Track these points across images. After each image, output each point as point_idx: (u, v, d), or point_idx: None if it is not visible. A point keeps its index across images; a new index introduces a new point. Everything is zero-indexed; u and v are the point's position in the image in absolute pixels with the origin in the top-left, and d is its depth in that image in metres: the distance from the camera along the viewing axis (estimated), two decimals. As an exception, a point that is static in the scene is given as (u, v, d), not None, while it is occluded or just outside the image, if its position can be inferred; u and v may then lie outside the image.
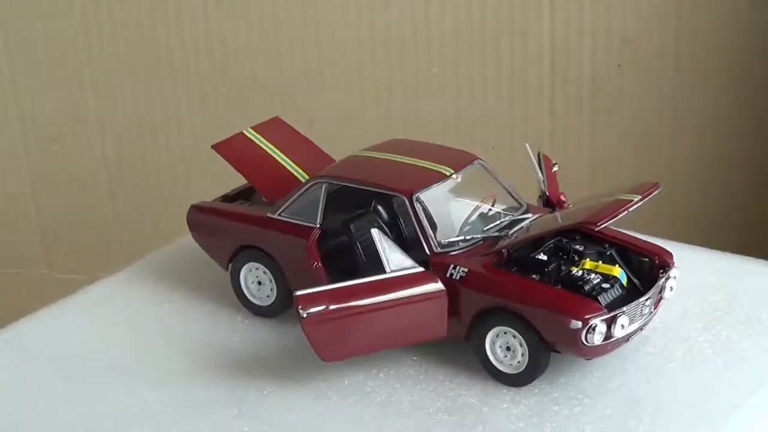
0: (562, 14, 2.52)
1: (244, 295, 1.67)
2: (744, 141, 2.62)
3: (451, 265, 1.47)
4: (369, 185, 1.55)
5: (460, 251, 1.49)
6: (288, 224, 1.60)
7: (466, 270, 1.46)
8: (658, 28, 2.52)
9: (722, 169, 2.64)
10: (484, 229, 1.53)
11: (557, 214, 1.56)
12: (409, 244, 1.53)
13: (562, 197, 1.63)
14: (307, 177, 1.66)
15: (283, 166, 1.72)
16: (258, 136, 1.79)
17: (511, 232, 1.52)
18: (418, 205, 1.50)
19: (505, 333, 1.45)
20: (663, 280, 1.50)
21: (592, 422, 1.41)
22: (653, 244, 1.55)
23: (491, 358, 1.48)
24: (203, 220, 1.71)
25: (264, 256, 1.63)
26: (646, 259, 1.52)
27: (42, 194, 2.79)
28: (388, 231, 1.56)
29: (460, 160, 1.59)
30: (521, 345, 1.45)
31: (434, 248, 1.49)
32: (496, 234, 1.53)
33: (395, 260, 1.45)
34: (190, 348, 1.60)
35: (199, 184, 2.72)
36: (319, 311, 1.41)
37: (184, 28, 2.60)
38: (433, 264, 1.48)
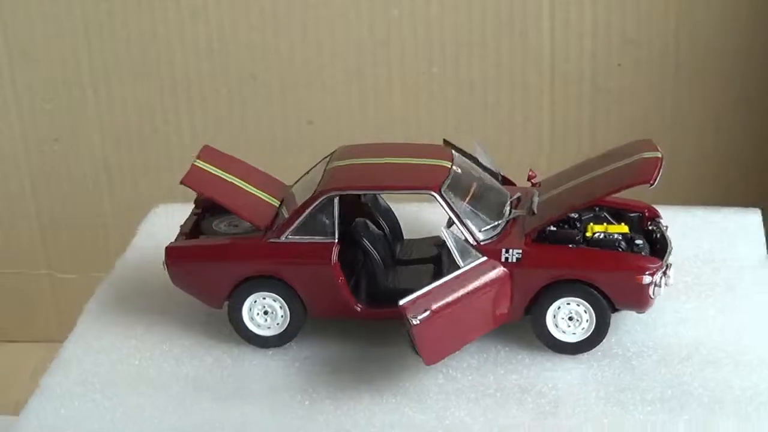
0: (562, 14, 2.52)
1: (248, 329, 1.60)
2: (744, 141, 2.62)
3: (503, 250, 1.52)
4: (391, 189, 1.57)
5: (497, 236, 1.54)
6: (303, 245, 1.55)
7: (520, 251, 1.52)
8: (658, 28, 2.52)
9: (722, 169, 2.64)
10: (505, 212, 1.58)
11: (568, 186, 1.61)
12: (391, 241, 1.62)
13: (531, 173, 1.68)
14: (270, 196, 1.64)
15: (246, 190, 1.67)
16: (209, 165, 1.70)
17: (526, 210, 1.59)
18: (449, 198, 1.54)
19: (568, 304, 1.52)
20: (666, 230, 1.60)
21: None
22: (635, 200, 1.63)
23: (553, 331, 1.53)
24: (189, 262, 1.61)
25: (272, 284, 1.57)
26: (636, 214, 1.61)
27: (42, 194, 2.78)
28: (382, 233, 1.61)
29: (444, 153, 1.63)
30: (585, 311, 1.52)
31: (478, 238, 1.53)
32: (515, 214, 1.59)
33: (464, 254, 1.49)
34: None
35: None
36: (426, 315, 1.43)
37: (184, 28, 2.60)
38: (483, 252, 1.52)
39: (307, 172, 1.68)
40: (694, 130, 2.60)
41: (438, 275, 1.53)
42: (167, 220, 1.87)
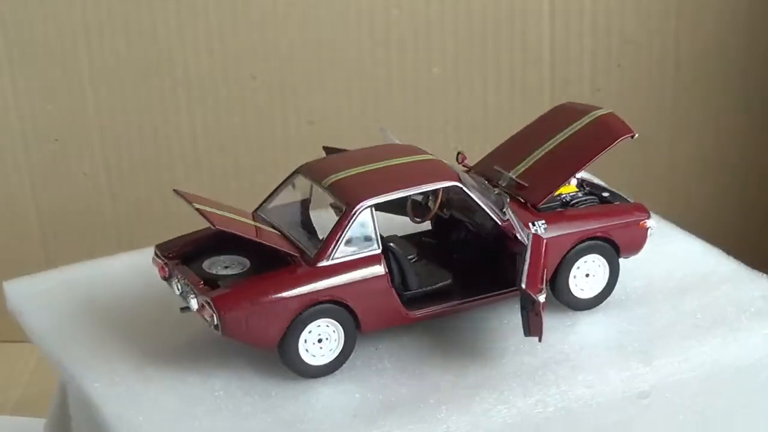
0: (562, 14, 2.52)
1: (305, 362, 1.52)
2: (744, 141, 2.62)
3: (530, 223, 1.59)
4: (418, 189, 1.57)
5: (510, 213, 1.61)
6: (353, 262, 1.52)
7: (543, 222, 1.60)
8: (658, 28, 2.52)
9: (722, 169, 2.64)
10: (498, 192, 1.65)
11: (537, 158, 1.70)
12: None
13: (462, 156, 1.77)
14: (266, 226, 1.60)
15: (248, 222, 1.63)
16: (205, 206, 1.63)
17: (507, 187, 1.67)
18: (470, 188, 1.58)
19: (585, 262, 1.61)
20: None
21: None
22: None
23: (575, 291, 1.61)
24: (244, 307, 1.49)
25: (326, 309, 1.51)
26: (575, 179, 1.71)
27: (42, 194, 2.78)
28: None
29: (416, 150, 1.66)
30: (600, 266, 1.62)
31: (503, 217, 1.58)
32: (504, 193, 1.66)
33: (524, 231, 1.56)
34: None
35: (199, 184, 2.72)
36: (545, 293, 1.50)
37: (184, 28, 2.60)
38: (507, 229, 1.58)
39: (274, 194, 1.64)
40: (694, 130, 2.60)
41: (454, 264, 1.60)
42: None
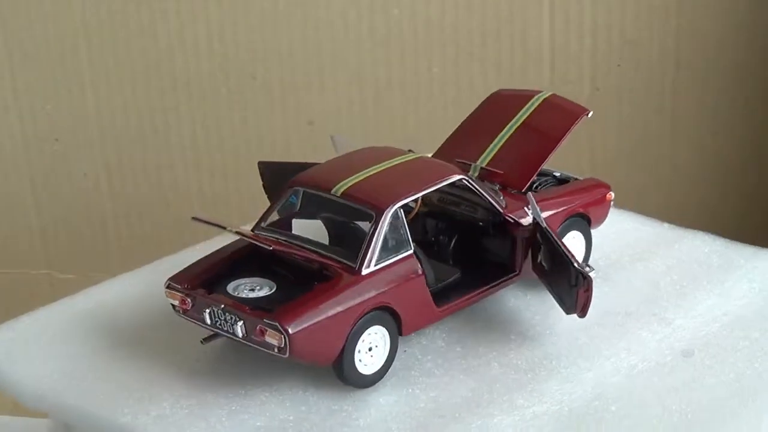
0: (562, 14, 2.52)
1: (360, 373, 1.50)
2: (744, 141, 2.62)
3: (524, 208, 1.63)
4: (434, 185, 1.58)
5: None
6: (391, 265, 1.51)
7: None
8: (658, 28, 2.52)
9: (721, 168, 2.64)
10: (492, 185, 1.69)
11: (501, 144, 1.74)
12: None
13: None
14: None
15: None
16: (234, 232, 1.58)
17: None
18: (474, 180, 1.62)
19: (566, 240, 1.67)
20: None
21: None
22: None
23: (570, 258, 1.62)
24: (311, 324, 1.45)
25: (375, 316, 1.49)
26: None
27: (42, 194, 2.79)
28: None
29: (402, 151, 1.67)
30: (575, 238, 1.69)
31: (504, 206, 1.62)
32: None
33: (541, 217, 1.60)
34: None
35: (199, 184, 2.72)
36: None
37: (184, 28, 2.60)
38: (507, 215, 1.63)
39: (270, 210, 1.61)
40: (694, 130, 2.60)
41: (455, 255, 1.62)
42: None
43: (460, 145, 1.76)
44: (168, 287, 1.53)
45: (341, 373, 1.49)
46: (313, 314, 1.44)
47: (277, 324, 1.42)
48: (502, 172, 1.68)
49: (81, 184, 2.76)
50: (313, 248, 1.53)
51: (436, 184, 1.57)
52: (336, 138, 1.79)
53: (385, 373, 1.52)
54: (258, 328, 1.44)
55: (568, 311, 1.56)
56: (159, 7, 2.59)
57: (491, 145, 1.73)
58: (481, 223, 1.64)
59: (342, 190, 1.54)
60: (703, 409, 1.45)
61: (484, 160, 1.71)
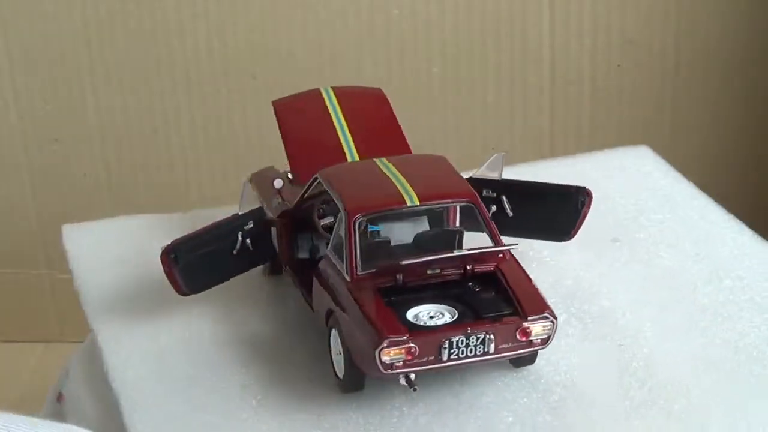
0: (562, 14, 2.52)
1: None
2: (744, 141, 2.62)
3: None
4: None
5: None
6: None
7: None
8: (658, 28, 2.53)
9: (721, 169, 2.64)
10: None
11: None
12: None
13: None
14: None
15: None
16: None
17: None
18: None
19: None
20: None
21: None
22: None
23: None
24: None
25: None
26: None
27: (42, 194, 2.78)
28: None
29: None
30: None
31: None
32: None
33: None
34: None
35: (199, 184, 2.72)
36: None
37: (184, 28, 2.60)
38: None
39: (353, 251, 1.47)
40: (694, 130, 2.60)
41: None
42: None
43: (314, 157, 1.61)
44: (387, 346, 1.33)
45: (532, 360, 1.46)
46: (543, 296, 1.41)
47: (546, 314, 1.37)
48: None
49: (81, 184, 2.76)
50: (448, 261, 1.43)
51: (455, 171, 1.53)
52: (246, 185, 1.72)
53: None
54: (521, 329, 1.37)
55: (563, 238, 1.56)
56: (159, 7, 2.59)
57: (346, 147, 1.62)
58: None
59: (415, 198, 1.45)
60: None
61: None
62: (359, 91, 1.74)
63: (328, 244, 1.48)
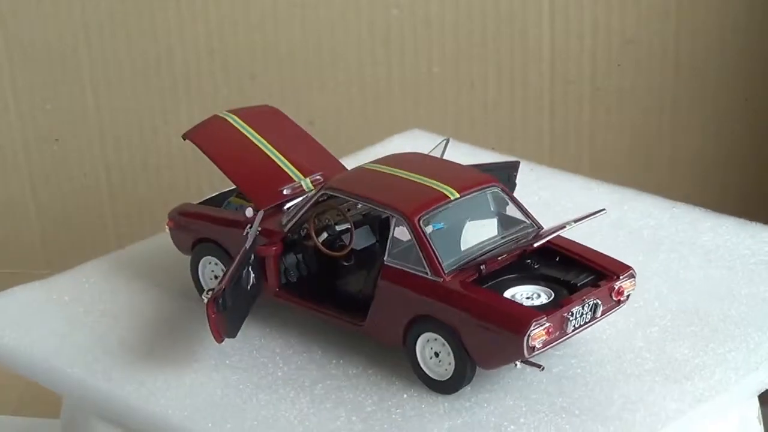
0: (562, 14, 2.52)
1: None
2: (744, 141, 2.62)
3: None
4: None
5: None
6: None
7: None
8: (658, 28, 2.52)
9: (722, 169, 2.64)
10: None
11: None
12: None
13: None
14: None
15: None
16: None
17: None
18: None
19: None
20: None
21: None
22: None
23: None
24: None
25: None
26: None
27: (42, 194, 2.79)
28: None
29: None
30: None
31: None
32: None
33: None
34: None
35: (198, 184, 2.72)
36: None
37: (184, 28, 2.60)
38: None
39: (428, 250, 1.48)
40: (694, 130, 2.60)
41: None
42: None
43: (261, 179, 1.64)
44: (534, 329, 1.38)
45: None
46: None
47: (631, 271, 1.48)
48: (321, 177, 1.62)
49: (81, 184, 2.76)
50: (507, 244, 1.50)
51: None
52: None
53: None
54: (617, 289, 1.47)
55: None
56: (159, 7, 2.59)
57: (281, 164, 1.65)
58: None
59: (454, 192, 1.50)
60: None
61: (298, 177, 1.64)
62: (257, 111, 1.74)
63: (319, 259, 1.54)
